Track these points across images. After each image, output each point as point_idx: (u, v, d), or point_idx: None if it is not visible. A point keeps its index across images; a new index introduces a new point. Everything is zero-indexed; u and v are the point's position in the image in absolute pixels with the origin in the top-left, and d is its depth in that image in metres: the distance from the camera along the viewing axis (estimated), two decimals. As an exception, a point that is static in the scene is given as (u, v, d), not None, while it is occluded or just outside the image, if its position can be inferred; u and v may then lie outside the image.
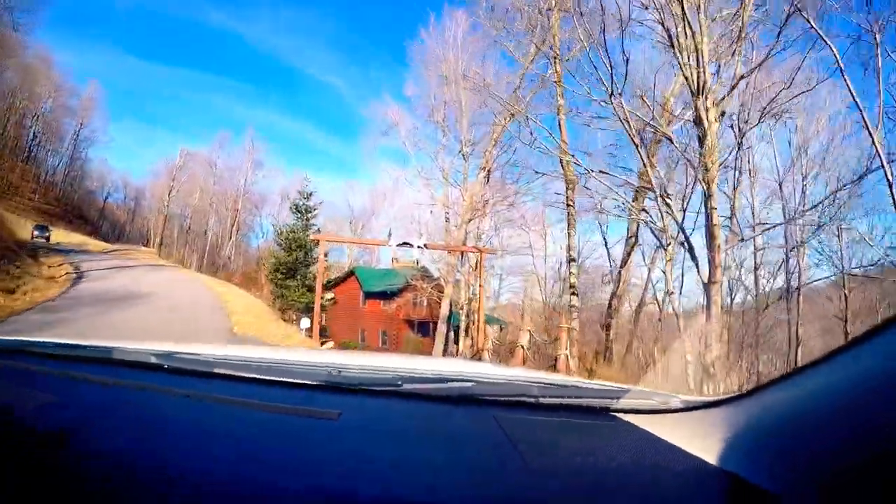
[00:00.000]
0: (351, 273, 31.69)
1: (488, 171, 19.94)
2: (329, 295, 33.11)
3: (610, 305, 14.21)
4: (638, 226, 13.79)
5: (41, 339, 1.20)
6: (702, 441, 0.76)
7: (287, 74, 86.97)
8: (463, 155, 21.70)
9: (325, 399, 0.92)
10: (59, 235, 28.56)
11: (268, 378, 0.98)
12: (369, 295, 29.55)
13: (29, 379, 1.00)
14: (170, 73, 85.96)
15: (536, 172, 11.59)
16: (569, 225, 14.43)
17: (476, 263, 14.23)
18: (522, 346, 12.81)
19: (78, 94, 50.86)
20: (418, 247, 9.65)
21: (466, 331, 22.96)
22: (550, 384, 1.10)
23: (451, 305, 18.71)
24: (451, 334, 21.04)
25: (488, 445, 0.81)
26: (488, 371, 1.46)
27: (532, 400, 0.97)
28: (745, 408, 0.73)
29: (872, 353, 0.52)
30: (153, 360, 1.05)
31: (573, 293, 13.75)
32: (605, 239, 25.83)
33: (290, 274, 23.73)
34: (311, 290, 19.16)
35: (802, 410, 0.61)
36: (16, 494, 0.58)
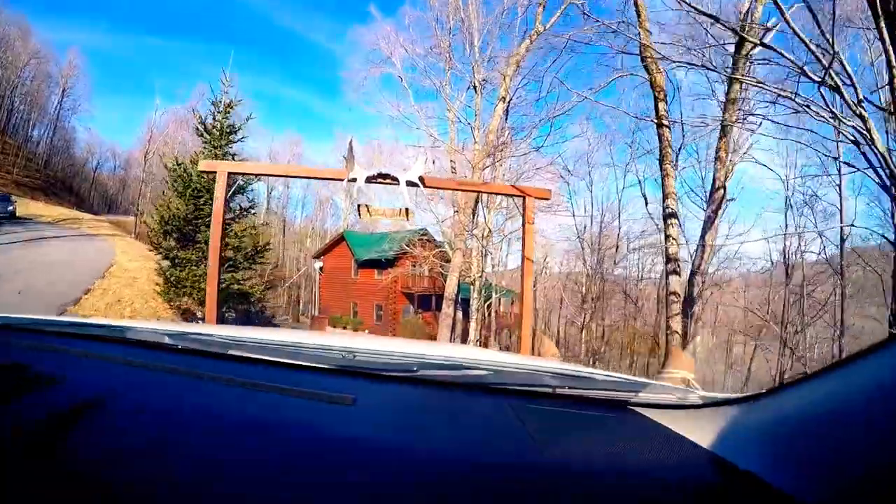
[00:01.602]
0: (341, 238, 27.45)
1: (508, 102, 15.35)
2: (318, 264, 29.11)
3: (691, 283, 8.16)
4: (726, 173, 9.12)
5: (56, 318, 1.26)
6: (720, 438, 0.75)
7: (275, 34, 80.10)
8: (474, 87, 17.14)
9: (340, 383, 0.92)
10: (37, 208, 27.79)
11: (282, 361, 0.98)
12: (362, 264, 25.41)
13: (43, 357, 0.99)
14: (148, 41, 79.18)
15: (613, 70, 7.16)
16: (662, 159, 8.29)
17: (521, 215, 10.27)
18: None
19: (58, 62, 47.54)
20: (409, 183, 4.67)
21: (488, 308, 18.86)
22: (568, 375, 1.11)
23: (459, 280, 14.37)
24: (460, 314, 16.83)
25: (504, 435, 0.80)
26: (505, 360, 1.41)
27: (549, 390, 0.96)
28: (765, 407, 0.72)
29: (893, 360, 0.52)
30: (167, 340, 1.05)
31: (673, 272, 7.66)
32: (644, 195, 21.62)
33: (189, 238, 12.07)
34: (231, 266, 11.26)
35: (823, 412, 0.60)
36: (26, 472, 0.58)
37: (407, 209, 4.99)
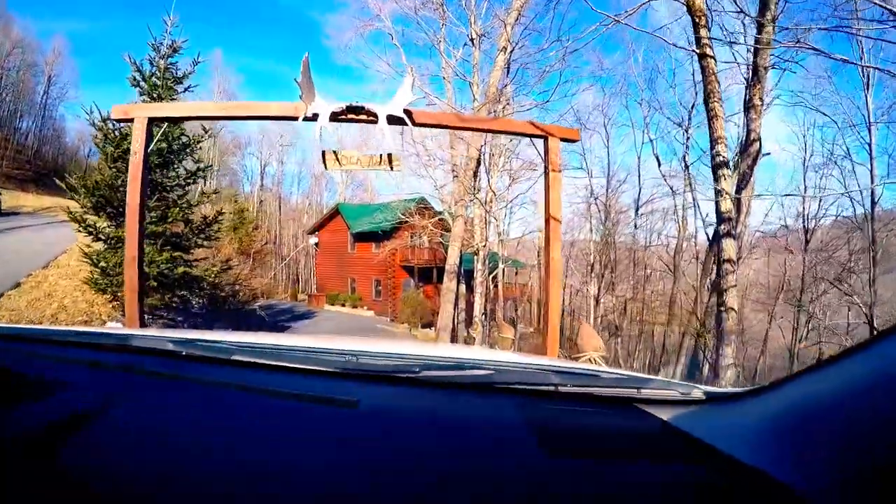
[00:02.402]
0: (336, 211, 26.15)
1: (509, 54, 13.78)
2: (313, 239, 27.93)
3: (719, 264, 6.36)
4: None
5: (62, 328, 1.34)
6: (724, 433, 0.74)
7: (260, 6, 75.84)
8: (471, 40, 15.54)
9: (344, 386, 0.91)
10: (26, 200, 26.95)
11: (286, 365, 0.98)
12: (358, 237, 24.21)
13: (48, 366, 0.98)
14: (129, 20, 75.38)
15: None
16: (709, 97, 6.48)
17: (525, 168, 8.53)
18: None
19: (43, 51, 44.98)
20: (392, 119, 3.50)
21: (493, 280, 17.54)
22: (571, 372, 1.11)
23: (461, 251, 13.08)
24: (463, 287, 15.65)
25: (508, 434, 0.80)
26: (507, 359, 1.42)
27: (552, 388, 0.95)
28: (769, 401, 0.71)
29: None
30: (171, 346, 1.05)
31: (727, 234, 5.95)
32: (657, 157, 20.15)
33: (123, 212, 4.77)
34: (173, 246, 8.54)
35: (827, 404, 0.60)
36: (30, 476, 0.58)
37: (390, 156, 3.72)
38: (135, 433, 0.71)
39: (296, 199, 49.20)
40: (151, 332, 1.20)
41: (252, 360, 0.99)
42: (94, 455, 0.64)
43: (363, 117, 3.56)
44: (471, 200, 12.75)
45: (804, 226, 19.02)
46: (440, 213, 18.13)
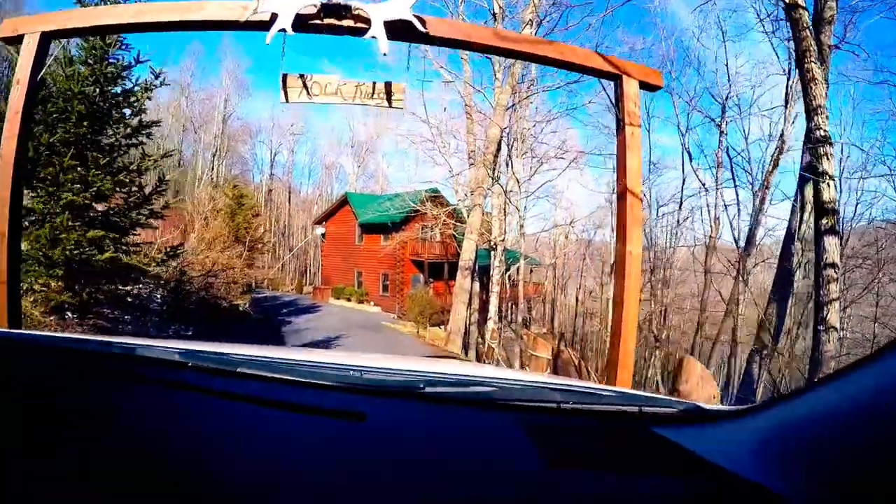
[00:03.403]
0: (344, 200, 24.93)
1: (536, 27, 12.37)
2: (319, 230, 26.77)
3: (818, 269, 4.68)
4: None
5: (63, 335, 1.26)
6: (723, 449, 0.75)
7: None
8: (494, 15, 14.18)
9: (350, 400, 0.92)
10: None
11: (292, 378, 0.97)
12: (367, 228, 22.96)
13: (50, 376, 0.98)
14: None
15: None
16: (803, 56, 5.17)
17: None
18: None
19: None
20: (391, 30, 2.18)
21: (512, 282, 16.03)
22: (574, 390, 1.12)
23: (476, 247, 11.57)
24: (477, 286, 14.19)
25: (512, 450, 0.81)
26: (512, 376, 1.43)
27: (555, 406, 0.96)
28: (770, 417, 0.72)
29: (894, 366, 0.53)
30: (177, 357, 1.05)
31: (831, 230, 4.58)
32: (686, 149, 18.56)
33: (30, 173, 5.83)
34: (102, 225, 6.65)
35: (828, 421, 0.60)
36: (30, 478, 0.59)
37: (389, 84, 2.37)
38: (140, 444, 0.71)
39: (307, 189, 48.39)
40: (157, 343, 1.17)
41: (257, 372, 0.99)
42: (94, 460, 0.65)
43: (347, 23, 2.27)
44: (489, 189, 11.32)
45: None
46: (454, 206, 16.78)
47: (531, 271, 25.28)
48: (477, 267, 13.62)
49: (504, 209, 12.72)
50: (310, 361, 1.17)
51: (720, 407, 0.91)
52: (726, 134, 18.30)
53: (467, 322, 12.64)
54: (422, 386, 0.95)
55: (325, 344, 10.59)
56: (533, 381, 1.21)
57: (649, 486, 0.70)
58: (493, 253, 12.82)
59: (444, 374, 1.18)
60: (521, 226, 11.57)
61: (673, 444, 0.82)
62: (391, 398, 0.95)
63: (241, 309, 12.44)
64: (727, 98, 18.21)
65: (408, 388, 0.97)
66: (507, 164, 12.32)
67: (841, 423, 0.57)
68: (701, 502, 0.66)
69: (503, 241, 12.81)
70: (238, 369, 0.99)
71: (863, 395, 0.55)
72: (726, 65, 17.78)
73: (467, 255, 11.31)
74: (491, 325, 12.40)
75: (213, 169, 42.23)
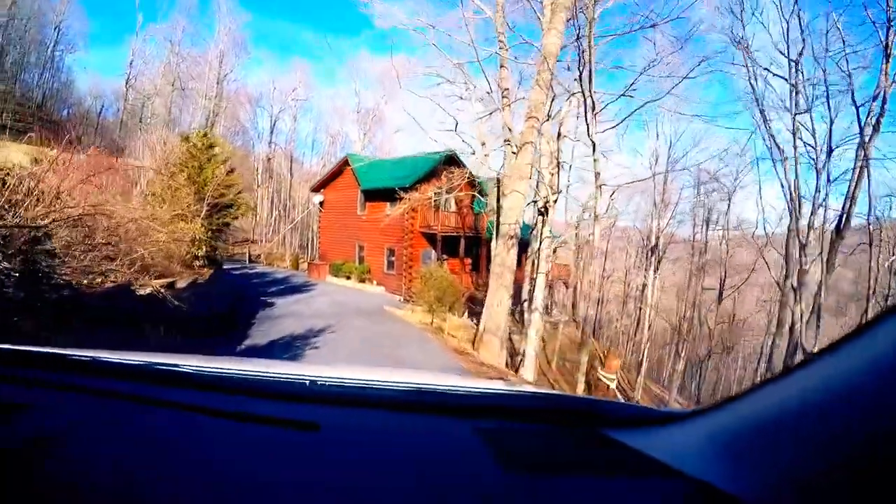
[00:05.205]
0: (345, 164, 21.75)
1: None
2: (317, 198, 23.69)
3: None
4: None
5: (25, 348, 1.21)
6: (679, 452, 0.75)
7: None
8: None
9: (304, 410, 0.91)
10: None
11: (246, 389, 0.97)
12: (370, 195, 19.84)
13: (9, 387, 0.98)
14: None
15: None
16: None
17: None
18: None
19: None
20: None
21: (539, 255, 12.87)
22: (530, 395, 1.13)
23: (524, 203, 8.25)
24: (512, 258, 10.88)
25: (467, 456, 0.81)
26: (466, 384, 1.44)
27: (509, 409, 0.99)
28: (722, 418, 0.73)
29: (842, 364, 0.53)
30: (131, 369, 1.05)
31: None
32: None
33: None
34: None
35: (777, 419, 0.61)
36: None
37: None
38: (93, 456, 0.71)
39: (310, 160, 45.16)
40: (112, 355, 1.08)
41: (211, 384, 0.99)
42: (51, 480, 0.65)
43: None
44: (549, 118, 7.99)
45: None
46: (478, 180, 13.59)
47: (555, 251, 22.27)
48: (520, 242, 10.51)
49: (557, 158, 9.32)
50: (264, 372, 1.15)
51: (674, 409, 0.91)
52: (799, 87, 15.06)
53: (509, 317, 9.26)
54: (378, 394, 1.00)
55: (302, 340, 7.71)
56: (487, 388, 1.25)
57: (601, 488, 0.71)
58: (539, 219, 9.50)
59: (398, 382, 1.16)
60: (598, 174, 8.01)
61: (624, 446, 0.83)
62: (346, 407, 0.95)
63: (169, 304, 7.43)
64: (800, 52, 14.94)
65: (362, 396, 0.99)
66: (581, 74, 8.35)
67: (789, 422, 0.58)
68: (650, 500, 0.67)
69: (556, 201, 9.48)
70: (192, 381, 0.99)
71: (811, 393, 0.56)
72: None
73: (513, 216, 7.95)
74: (536, 318, 9.20)
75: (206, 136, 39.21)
